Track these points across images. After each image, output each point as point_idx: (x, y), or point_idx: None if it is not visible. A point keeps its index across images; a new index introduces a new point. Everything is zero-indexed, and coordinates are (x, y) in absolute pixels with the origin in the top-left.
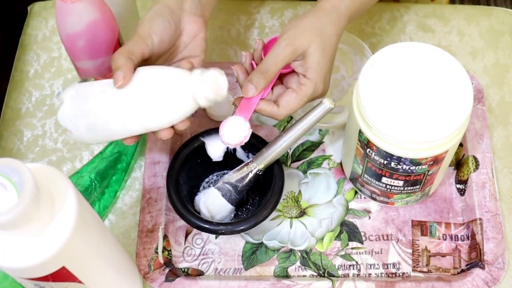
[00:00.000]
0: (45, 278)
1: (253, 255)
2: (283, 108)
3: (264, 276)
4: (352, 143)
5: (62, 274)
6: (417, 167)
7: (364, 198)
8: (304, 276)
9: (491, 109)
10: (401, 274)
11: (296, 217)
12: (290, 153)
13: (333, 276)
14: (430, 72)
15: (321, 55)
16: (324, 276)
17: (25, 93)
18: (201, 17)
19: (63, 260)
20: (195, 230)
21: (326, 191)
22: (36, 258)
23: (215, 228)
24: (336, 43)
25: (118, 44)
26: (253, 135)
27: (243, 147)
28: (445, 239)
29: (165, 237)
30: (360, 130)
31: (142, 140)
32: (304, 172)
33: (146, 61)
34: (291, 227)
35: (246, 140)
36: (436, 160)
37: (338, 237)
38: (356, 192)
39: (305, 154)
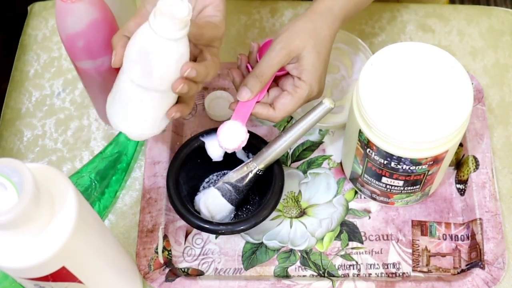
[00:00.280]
0: (45, 278)
1: (253, 255)
2: (279, 110)
3: (264, 276)
4: (352, 143)
5: (62, 274)
6: (417, 167)
7: (364, 198)
8: (304, 276)
9: (491, 109)
10: (401, 274)
11: (296, 217)
12: (290, 153)
13: (333, 276)
14: (430, 72)
15: (315, 57)
16: (324, 276)
17: (25, 93)
18: None
19: (63, 260)
20: (195, 230)
21: (326, 191)
22: (36, 258)
23: (215, 228)
24: (331, 45)
25: None
26: (253, 135)
27: (243, 147)
28: (445, 239)
29: (165, 237)
30: (360, 130)
31: (142, 140)
32: (304, 172)
33: None
34: (291, 227)
35: (244, 144)
36: (436, 160)
37: (338, 237)
38: (356, 192)
39: (305, 154)
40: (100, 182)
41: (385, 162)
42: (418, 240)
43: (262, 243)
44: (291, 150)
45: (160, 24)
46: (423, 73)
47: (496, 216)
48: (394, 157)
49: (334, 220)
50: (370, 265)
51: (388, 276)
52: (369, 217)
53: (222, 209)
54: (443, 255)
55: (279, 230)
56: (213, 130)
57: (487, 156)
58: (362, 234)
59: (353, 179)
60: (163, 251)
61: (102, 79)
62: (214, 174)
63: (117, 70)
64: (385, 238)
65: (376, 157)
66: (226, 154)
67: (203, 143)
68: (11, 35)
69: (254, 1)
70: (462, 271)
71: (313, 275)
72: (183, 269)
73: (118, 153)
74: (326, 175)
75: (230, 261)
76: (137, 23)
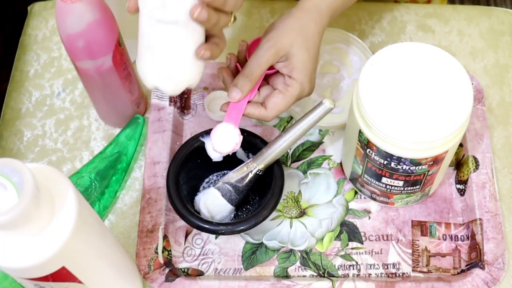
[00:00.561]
0: (45, 278)
1: (253, 255)
2: (270, 110)
3: (264, 276)
4: (352, 143)
5: (62, 274)
6: (417, 167)
7: (364, 198)
8: (304, 276)
9: (491, 109)
10: (401, 274)
11: (296, 217)
12: (290, 153)
13: (333, 276)
14: (430, 72)
15: (304, 55)
16: (324, 276)
17: (25, 93)
18: None
19: (63, 260)
20: (195, 230)
21: (326, 191)
22: (36, 258)
23: (215, 228)
24: (319, 42)
25: (118, 44)
26: (253, 135)
27: (243, 147)
28: (445, 239)
29: (165, 237)
30: (360, 130)
31: (142, 140)
32: (304, 172)
33: None
34: (291, 227)
35: (238, 147)
36: (436, 160)
37: (338, 237)
38: (356, 192)
39: (305, 154)
40: (100, 182)
41: (385, 162)
42: (418, 240)
43: (262, 243)
44: (291, 150)
45: None
46: (423, 73)
47: (496, 216)
48: (394, 157)
49: (334, 220)
50: (370, 265)
51: (388, 276)
52: (369, 217)
53: (222, 209)
54: (443, 255)
55: (279, 230)
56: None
57: (487, 156)
58: (362, 234)
59: (353, 179)
60: (163, 251)
61: (102, 79)
62: (214, 174)
63: (117, 70)
64: (385, 238)
65: (376, 157)
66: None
67: (203, 143)
68: (11, 35)
69: (254, 1)
70: (462, 271)
71: (313, 275)
72: (183, 269)
73: (118, 153)
74: (326, 175)
75: (230, 261)
76: None
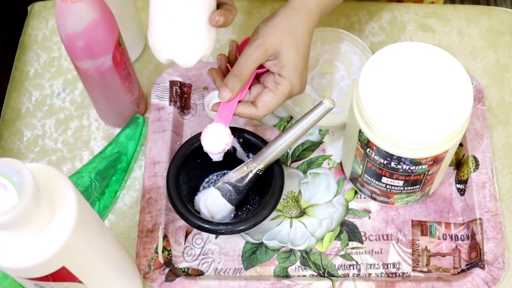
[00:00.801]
0: (45, 278)
1: (253, 255)
2: (261, 108)
3: (264, 276)
4: (352, 143)
5: (62, 274)
6: (417, 167)
7: (364, 198)
8: (304, 276)
9: (491, 109)
10: (401, 274)
11: (296, 217)
12: (290, 153)
13: (333, 276)
14: (430, 72)
15: (294, 53)
16: (324, 276)
17: (25, 93)
18: None
19: (63, 260)
20: (195, 230)
21: (326, 191)
22: (36, 258)
23: (215, 228)
24: (309, 40)
25: (118, 44)
26: (253, 135)
27: (243, 147)
28: (445, 239)
29: (165, 237)
30: (360, 130)
31: (142, 140)
32: (304, 172)
33: None
34: (291, 227)
35: (229, 147)
36: (436, 160)
37: (338, 237)
38: (356, 192)
39: (305, 154)
40: (100, 182)
41: (385, 162)
42: (418, 240)
43: (262, 243)
44: (291, 150)
45: None
46: (423, 73)
47: (496, 216)
48: (394, 157)
49: (334, 220)
50: (370, 265)
51: (388, 276)
52: (369, 217)
53: (222, 209)
54: (443, 255)
55: (279, 230)
56: None
57: (487, 156)
58: (362, 234)
59: (353, 179)
60: (163, 251)
61: (102, 79)
62: (214, 174)
63: (117, 70)
64: (385, 238)
65: (376, 157)
66: (226, 154)
67: None
68: (11, 35)
69: (254, 1)
70: (462, 271)
71: (313, 275)
72: (183, 269)
73: (118, 153)
74: (326, 175)
75: (230, 261)
76: None
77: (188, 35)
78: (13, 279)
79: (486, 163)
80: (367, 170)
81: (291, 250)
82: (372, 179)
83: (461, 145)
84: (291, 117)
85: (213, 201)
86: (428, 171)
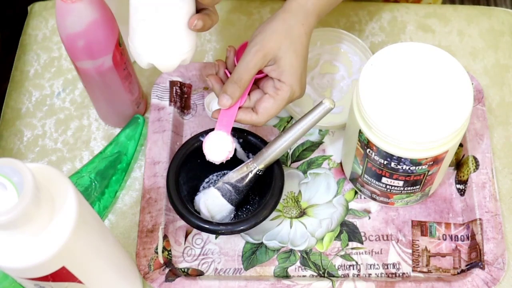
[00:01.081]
0: (45, 278)
1: (253, 255)
2: (261, 115)
3: (264, 276)
4: (352, 143)
5: (62, 274)
6: (417, 167)
7: (364, 198)
8: (304, 276)
9: (491, 110)
10: (401, 274)
11: (296, 217)
12: (290, 153)
13: (333, 276)
14: (430, 72)
15: (293, 57)
16: (324, 276)
17: (25, 93)
18: None
19: (63, 260)
20: (195, 230)
21: (326, 191)
22: (36, 258)
23: (215, 228)
24: (307, 42)
25: (118, 44)
26: (253, 135)
27: (243, 147)
28: (445, 239)
29: (165, 237)
30: (360, 130)
31: (142, 140)
32: (304, 172)
33: None
34: (291, 227)
35: (231, 155)
36: (436, 160)
37: (338, 237)
38: (356, 192)
39: (305, 154)
40: (100, 182)
41: (385, 162)
42: (418, 240)
43: (262, 243)
44: (291, 150)
45: None
46: (423, 73)
47: (496, 216)
48: (394, 157)
49: (334, 220)
50: (370, 265)
51: (388, 276)
52: (369, 217)
53: (222, 209)
54: (443, 255)
55: (279, 230)
56: (212, 130)
57: (487, 156)
58: (362, 234)
59: (353, 179)
60: (163, 251)
61: (102, 79)
62: (214, 174)
63: (117, 70)
64: (385, 238)
65: (376, 157)
66: None
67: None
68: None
69: (254, 1)
70: (462, 271)
71: (313, 275)
72: (183, 269)
73: (118, 153)
74: (326, 175)
75: (230, 261)
76: None
77: (168, 38)
78: (13, 279)
79: (486, 164)
80: (367, 171)
81: (291, 250)
82: (372, 180)
83: (461, 145)
84: (291, 117)
85: (213, 201)
86: (428, 171)
